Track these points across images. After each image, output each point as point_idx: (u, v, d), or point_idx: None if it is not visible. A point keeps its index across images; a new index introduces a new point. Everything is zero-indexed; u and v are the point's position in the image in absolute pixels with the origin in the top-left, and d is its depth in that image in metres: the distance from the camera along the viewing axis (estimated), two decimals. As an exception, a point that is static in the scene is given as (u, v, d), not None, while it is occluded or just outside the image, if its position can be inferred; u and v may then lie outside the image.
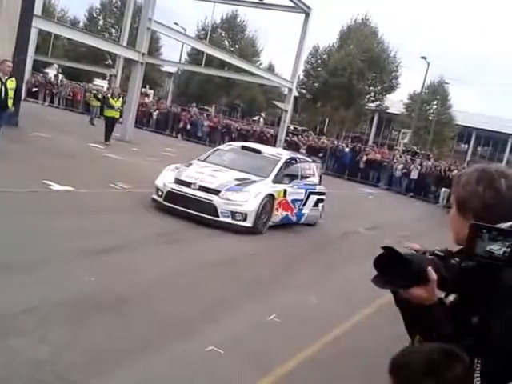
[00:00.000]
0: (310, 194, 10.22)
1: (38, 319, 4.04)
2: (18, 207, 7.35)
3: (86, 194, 9.06)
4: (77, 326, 4.11)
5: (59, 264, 5.41)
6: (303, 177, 10.55)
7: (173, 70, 46.81)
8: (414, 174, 24.07)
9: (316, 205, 10.45)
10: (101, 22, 46.98)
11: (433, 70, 40.73)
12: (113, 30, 45.23)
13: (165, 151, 18.32)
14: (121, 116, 17.78)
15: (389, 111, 46.27)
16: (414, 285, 1.26)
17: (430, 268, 1.26)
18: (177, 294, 5.35)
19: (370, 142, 44.69)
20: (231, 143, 11.95)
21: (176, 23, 33.63)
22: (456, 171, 23.57)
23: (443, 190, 22.59)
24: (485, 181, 1.45)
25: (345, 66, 40.19)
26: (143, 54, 19.84)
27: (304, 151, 24.99)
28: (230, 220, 8.56)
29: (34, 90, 31.89)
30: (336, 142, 29.27)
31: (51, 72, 45.56)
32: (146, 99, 35.43)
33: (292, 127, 33.57)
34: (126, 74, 23.81)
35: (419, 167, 24.50)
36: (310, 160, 11.69)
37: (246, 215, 8.60)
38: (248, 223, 8.63)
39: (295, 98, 34.18)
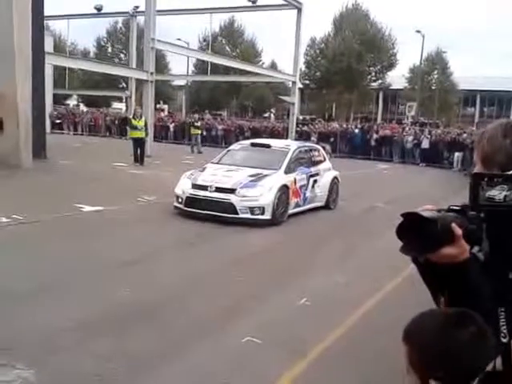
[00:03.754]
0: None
1: (80, 334, 4.06)
2: (54, 232, 7.45)
3: (114, 211, 9.11)
4: (117, 336, 4.10)
5: (95, 279, 5.44)
6: (314, 163, 10.44)
7: (182, 82, 46.94)
8: (425, 144, 23.66)
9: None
10: (109, 49, 47.38)
11: (429, 41, 39.94)
12: (122, 55, 45.53)
13: (185, 160, 18.35)
14: (146, 135, 17.24)
15: (392, 87, 45.64)
16: (443, 245, 1.15)
17: (453, 224, 1.16)
18: (208, 292, 5.33)
19: (379, 120, 44.14)
20: (241, 142, 11.84)
21: (179, 39, 33.64)
22: (465, 135, 23.13)
23: (456, 154, 22.25)
24: (511, 134, 1.35)
25: (342, 51, 39.77)
26: (151, 72, 19.88)
27: (315, 139, 24.82)
28: (249, 215, 8.53)
29: (57, 121, 32.40)
30: (345, 125, 28.94)
31: (72, 102, 46.16)
32: (162, 114, 35.61)
33: (301, 118, 33.34)
34: (141, 94, 23.95)
35: (429, 136, 24.07)
36: (318, 147, 11.52)
37: (263, 209, 8.57)
38: (267, 216, 8.59)
39: (300, 89, 33.99)
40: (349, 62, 39.52)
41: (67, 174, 13.38)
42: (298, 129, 27.68)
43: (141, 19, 27.40)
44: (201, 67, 41.05)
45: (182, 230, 8.09)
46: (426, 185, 15.55)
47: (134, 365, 3.67)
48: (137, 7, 28.59)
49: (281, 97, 34.78)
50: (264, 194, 8.62)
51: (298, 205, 9.62)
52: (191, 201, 8.73)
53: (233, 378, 3.62)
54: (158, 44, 20.22)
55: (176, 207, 9.03)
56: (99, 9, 29.55)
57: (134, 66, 27.85)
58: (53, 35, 36.91)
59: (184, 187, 8.98)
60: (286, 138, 23.60)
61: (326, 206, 10.53)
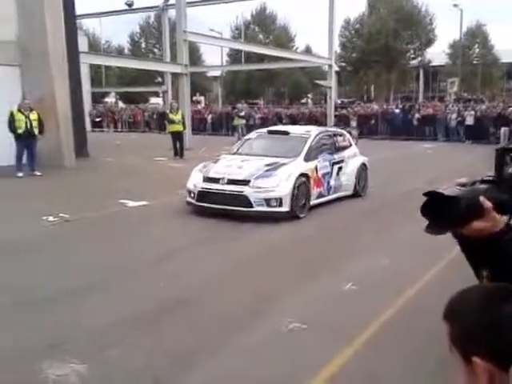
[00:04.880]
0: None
1: (124, 330, 4.14)
2: (99, 229, 7.65)
3: (157, 205, 9.26)
4: (155, 331, 4.15)
5: (140, 275, 5.55)
6: (339, 149, 9.82)
7: (217, 73, 47.11)
8: (470, 120, 22.97)
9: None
10: (143, 45, 48.02)
11: (468, 16, 38.46)
12: (156, 50, 46.05)
13: (223, 150, 18.44)
14: (184, 128, 17.34)
15: (432, 64, 44.36)
16: (472, 220, 1.12)
17: (481, 198, 1.13)
18: (250, 283, 5.33)
19: (421, 99, 43.02)
20: (258, 130, 11.00)
21: (212, 29, 33.72)
22: (511, 109, 22.27)
23: (503, 129, 21.53)
24: None
25: (379, 30, 38.94)
26: (185, 65, 20.02)
27: (355, 122, 24.47)
28: (265, 208, 7.88)
29: (97, 119, 33.20)
30: (385, 106, 28.38)
31: (110, 100, 47.14)
32: (199, 106, 35.88)
33: (339, 101, 32.91)
34: (176, 88, 24.23)
35: (473, 112, 23.31)
36: (343, 131, 10.94)
37: (280, 200, 7.89)
38: (285, 208, 7.93)
39: (337, 72, 33.48)
40: (386, 41, 38.68)
41: (110, 170, 13.71)
42: (337, 113, 27.32)
43: (172, 12, 27.57)
44: (235, 56, 41.11)
45: (203, 226, 7.83)
46: (471, 162, 15.07)
47: (178, 357, 3.70)
48: (167, 0, 28.78)
49: (317, 81, 34.32)
50: (281, 184, 7.96)
51: (321, 195, 8.98)
52: (203, 195, 8.20)
53: (279, 364, 3.63)
54: (191, 36, 20.32)
55: (188, 202, 8.56)
56: (130, 4, 29.94)
57: (168, 59, 28.11)
58: (86, 34, 37.77)
59: (195, 181, 8.50)
60: (325, 124, 23.34)
61: (355, 195, 9.93)
